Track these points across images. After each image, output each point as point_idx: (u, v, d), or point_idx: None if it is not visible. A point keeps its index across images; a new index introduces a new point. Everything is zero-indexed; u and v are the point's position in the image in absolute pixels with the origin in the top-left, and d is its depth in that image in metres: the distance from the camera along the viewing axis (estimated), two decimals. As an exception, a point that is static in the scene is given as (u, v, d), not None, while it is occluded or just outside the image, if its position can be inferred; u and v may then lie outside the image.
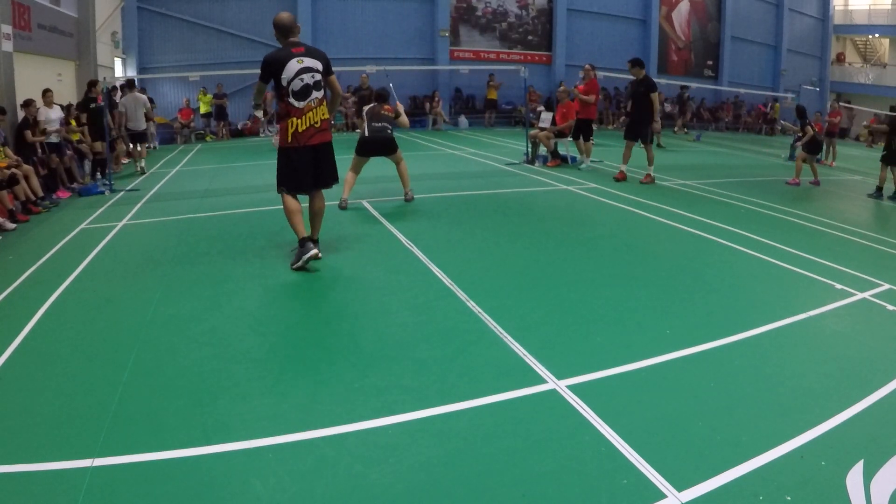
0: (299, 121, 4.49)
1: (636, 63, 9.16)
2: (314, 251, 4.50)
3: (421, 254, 5.03)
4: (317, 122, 4.57)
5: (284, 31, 4.55)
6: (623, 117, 11.54)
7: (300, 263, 4.48)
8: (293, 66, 4.45)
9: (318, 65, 4.58)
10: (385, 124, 6.85)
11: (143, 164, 10.30)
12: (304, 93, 4.49)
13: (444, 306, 3.94)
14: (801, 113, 10.48)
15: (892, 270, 4.89)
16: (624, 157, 9.23)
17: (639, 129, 9.11)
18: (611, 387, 2.93)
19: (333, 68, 4.77)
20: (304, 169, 4.62)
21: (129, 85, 10.93)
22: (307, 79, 4.49)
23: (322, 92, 4.61)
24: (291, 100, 4.47)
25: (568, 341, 3.47)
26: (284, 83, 4.44)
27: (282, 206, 4.74)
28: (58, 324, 3.68)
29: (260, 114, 4.80)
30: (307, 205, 4.86)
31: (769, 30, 26.38)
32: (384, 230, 5.88)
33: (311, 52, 4.61)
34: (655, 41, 22.99)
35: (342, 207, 6.65)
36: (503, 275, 4.65)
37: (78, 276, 4.56)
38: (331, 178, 4.82)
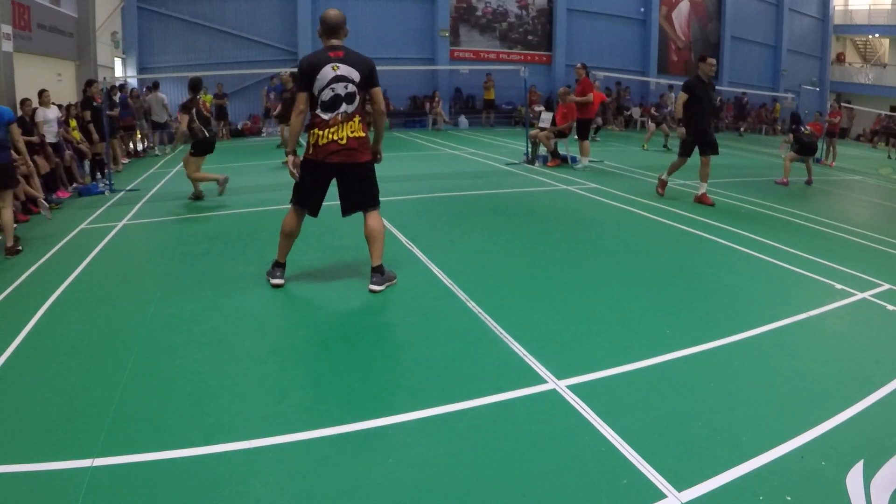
0: (321, 133, 4.10)
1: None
2: (276, 281, 4.28)
3: (421, 254, 5.02)
4: (341, 139, 4.07)
5: (329, 30, 4.12)
6: (678, 126, 9.53)
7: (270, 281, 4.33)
8: (327, 72, 4.05)
9: (355, 75, 4.06)
10: None
11: (167, 149, 13.28)
12: (332, 104, 4.09)
13: (444, 306, 3.94)
14: (794, 119, 10.78)
15: (892, 270, 4.89)
16: (704, 175, 7.61)
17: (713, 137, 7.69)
18: (611, 387, 2.92)
19: None
20: (315, 187, 4.23)
21: (154, 86, 13.73)
22: (339, 89, 4.07)
23: (354, 106, 4.11)
24: (319, 110, 4.11)
25: (568, 341, 3.47)
26: (315, 92, 4.07)
27: (283, 207, 4.68)
28: (58, 324, 3.68)
29: (291, 159, 4.20)
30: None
31: (769, 30, 26.39)
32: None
33: (351, 59, 4.08)
34: (655, 41, 23.00)
35: None
36: (503, 275, 4.65)
37: (78, 276, 4.56)
38: (368, 201, 4.27)
